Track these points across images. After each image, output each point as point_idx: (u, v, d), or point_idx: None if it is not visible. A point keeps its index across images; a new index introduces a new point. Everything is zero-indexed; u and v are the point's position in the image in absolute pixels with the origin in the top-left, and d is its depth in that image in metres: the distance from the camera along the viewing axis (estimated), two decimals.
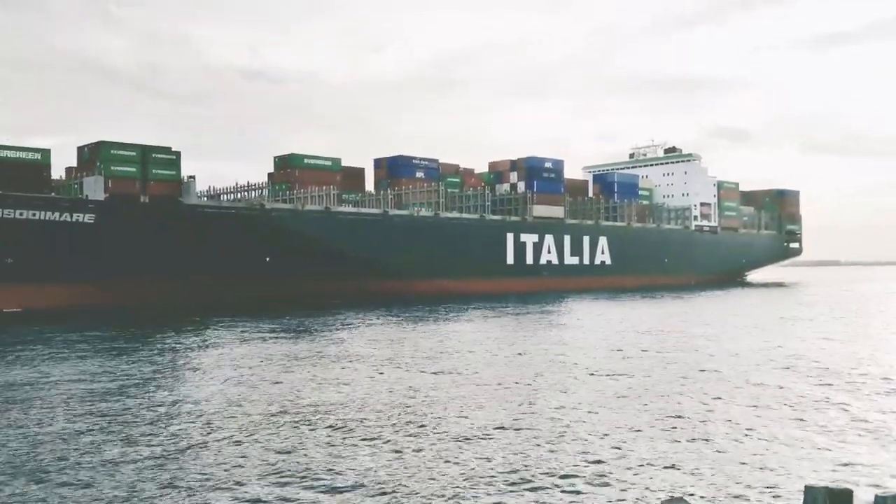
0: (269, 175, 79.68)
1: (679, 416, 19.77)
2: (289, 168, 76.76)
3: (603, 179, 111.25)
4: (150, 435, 17.42)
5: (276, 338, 38.35)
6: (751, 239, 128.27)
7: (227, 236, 63.20)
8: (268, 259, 66.53)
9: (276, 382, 24.70)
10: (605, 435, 17.68)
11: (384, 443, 16.84)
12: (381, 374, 26.53)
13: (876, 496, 8.58)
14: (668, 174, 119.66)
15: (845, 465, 15.43)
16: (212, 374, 26.50)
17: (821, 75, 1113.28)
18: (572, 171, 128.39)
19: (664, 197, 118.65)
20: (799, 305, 68.00)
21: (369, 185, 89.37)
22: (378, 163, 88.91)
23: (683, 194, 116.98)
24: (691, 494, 13.38)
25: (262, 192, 70.91)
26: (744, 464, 15.44)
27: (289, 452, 16.06)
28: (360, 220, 74.71)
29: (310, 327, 44.37)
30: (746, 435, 17.81)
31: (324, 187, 72.71)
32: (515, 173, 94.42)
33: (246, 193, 71.89)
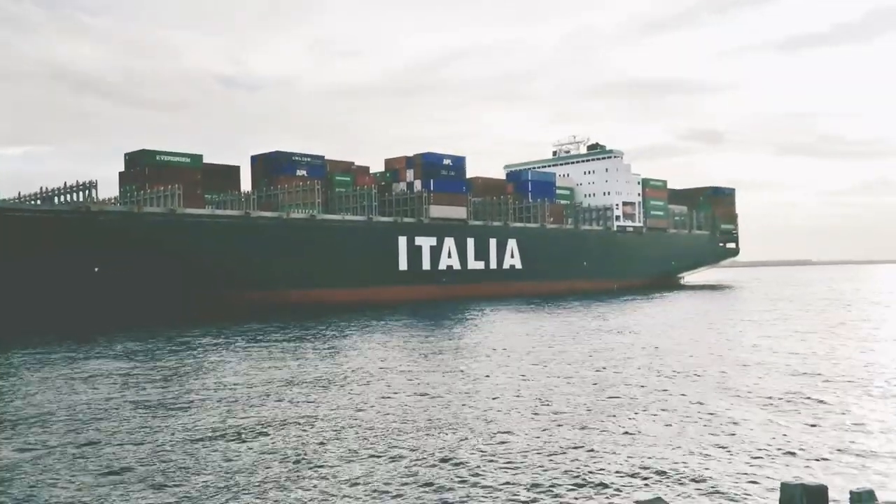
0: (120, 174, 70.83)
1: (653, 417, 19.83)
2: (138, 166, 67.95)
3: (517, 178, 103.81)
4: None
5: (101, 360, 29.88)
6: (681, 240, 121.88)
7: (41, 243, 54.31)
8: (97, 269, 57.81)
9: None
10: (581, 438, 17.58)
11: None
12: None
13: (851, 492, 8.70)
14: (589, 172, 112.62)
15: (819, 461, 15.40)
16: None
17: (793, 77, 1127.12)
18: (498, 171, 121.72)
19: (585, 196, 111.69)
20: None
21: (247, 185, 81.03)
22: (255, 160, 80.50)
23: (605, 193, 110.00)
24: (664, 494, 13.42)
25: (89, 192, 61.46)
26: (719, 462, 15.47)
27: None
28: (215, 224, 66.06)
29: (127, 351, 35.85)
30: (722, 433, 17.90)
31: (170, 186, 63.85)
32: (412, 171, 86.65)
33: (79, 194, 62.40)
